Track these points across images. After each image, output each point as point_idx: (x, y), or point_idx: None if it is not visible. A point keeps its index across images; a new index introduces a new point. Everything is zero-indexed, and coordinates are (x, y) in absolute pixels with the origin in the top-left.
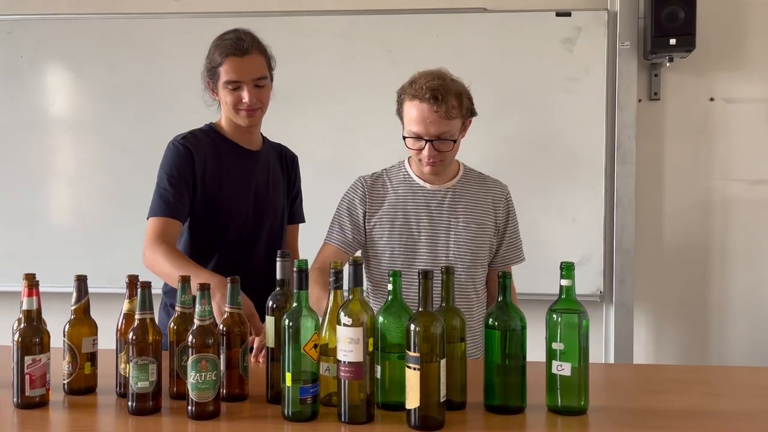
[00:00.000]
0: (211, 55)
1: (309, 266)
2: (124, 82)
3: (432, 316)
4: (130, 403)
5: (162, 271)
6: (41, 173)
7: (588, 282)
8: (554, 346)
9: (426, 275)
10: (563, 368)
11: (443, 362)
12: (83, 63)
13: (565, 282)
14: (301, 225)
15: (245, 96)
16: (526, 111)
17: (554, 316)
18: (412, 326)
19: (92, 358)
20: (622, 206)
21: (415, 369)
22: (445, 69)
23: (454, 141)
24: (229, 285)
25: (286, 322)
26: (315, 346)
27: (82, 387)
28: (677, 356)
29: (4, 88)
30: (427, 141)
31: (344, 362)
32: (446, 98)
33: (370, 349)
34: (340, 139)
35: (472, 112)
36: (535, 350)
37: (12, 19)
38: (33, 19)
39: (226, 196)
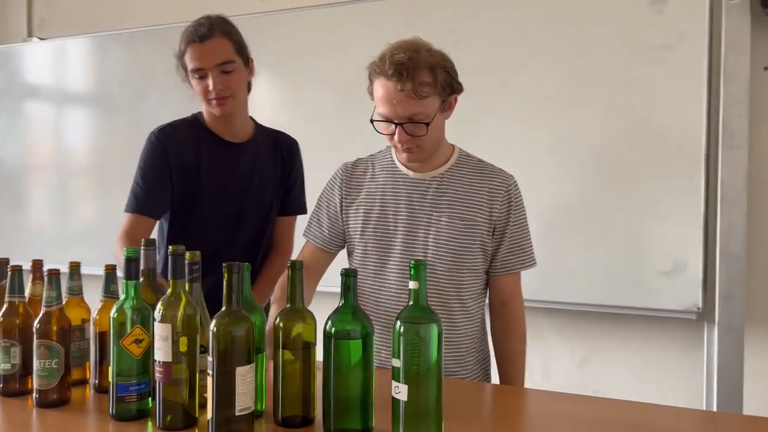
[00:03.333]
0: (178, 46)
1: (140, 255)
2: None
3: (235, 316)
4: None
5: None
6: None
7: (681, 295)
8: (393, 362)
9: (231, 269)
10: (400, 391)
11: (241, 369)
12: None
13: (412, 284)
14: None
15: (210, 83)
16: (607, 89)
17: (397, 324)
18: (211, 326)
19: None
20: (729, 202)
21: (210, 375)
22: (420, 39)
23: (428, 123)
24: (104, 274)
25: (111, 313)
26: (138, 341)
27: None
28: None
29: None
30: (397, 124)
31: (158, 361)
32: (414, 74)
33: (183, 348)
34: None
35: (454, 88)
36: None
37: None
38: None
39: (203, 190)
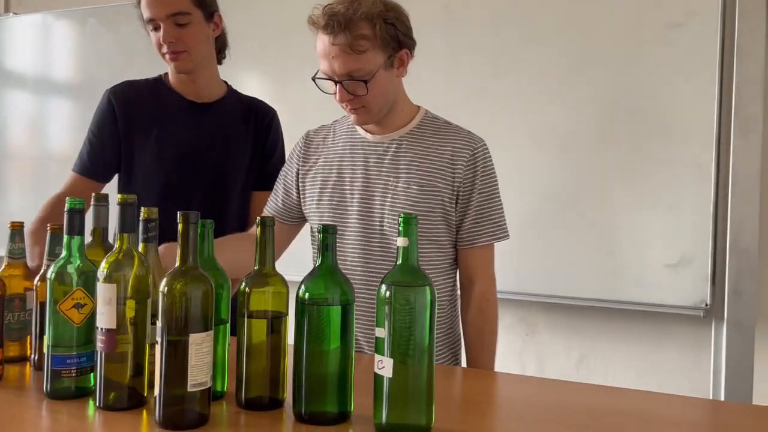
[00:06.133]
0: None
1: (84, 208)
2: None
3: (190, 274)
4: None
5: None
6: None
7: (688, 291)
8: (377, 332)
9: (186, 219)
10: (384, 366)
11: (196, 337)
12: None
13: (401, 241)
14: None
15: (161, 35)
16: (611, 68)
17: (381, 289)
18: (161, 287)
19: None
20: (741, 190)
21: (158, 344)
22: None
23: (366, 81)
24: (48, 234)
25: (49, 272)
26: (79, 306)
27: None
28: None
29: None
30: (337, 82)
31: (100, 329)
32: (349, 26)
33: (130, 314)
34: None
35: (402, 42)
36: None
37: None
38: None
39: (156, 150)
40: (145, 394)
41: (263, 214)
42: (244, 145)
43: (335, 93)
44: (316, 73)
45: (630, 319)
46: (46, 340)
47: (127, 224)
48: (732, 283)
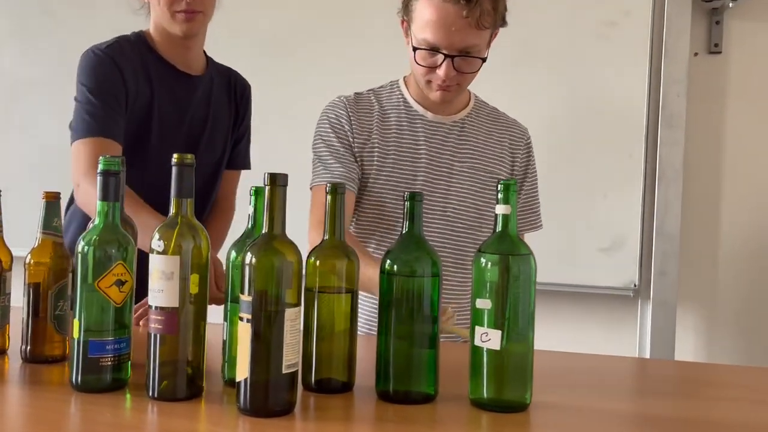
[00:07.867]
0: None
1: (120, 168)
2: None
3: (281, 242)
4: None
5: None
6: None
7: (619, 272)
8: (479, 304)
9: (275, 180)
10: (490, 338)
11: (290, 312)
12: None
13: (502, 208)
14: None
15: None
16: (550, 62)
17: (482, 260)
18: (248, 257)
19: None
20: (666, 180)
21: (247, 321)
22: None
23: (484, 59)
24: (43, 203)
25: (81, 246)
26: (120, 283)
27: None
28: None
29: None
30: (446, 56)
31: (154, 308)
32: (481, 0)
33: (194, 290)
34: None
35: (504, 21)
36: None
37: None
38: None
39: (155, 128)
40: (203, 383)
41: (333, 183)
42: (228, 120)
43: (433, 66)
44: (411, 41)
45: (563, 301)
46: (77, 323)
47: (184, 188)
48: (658, 265)
